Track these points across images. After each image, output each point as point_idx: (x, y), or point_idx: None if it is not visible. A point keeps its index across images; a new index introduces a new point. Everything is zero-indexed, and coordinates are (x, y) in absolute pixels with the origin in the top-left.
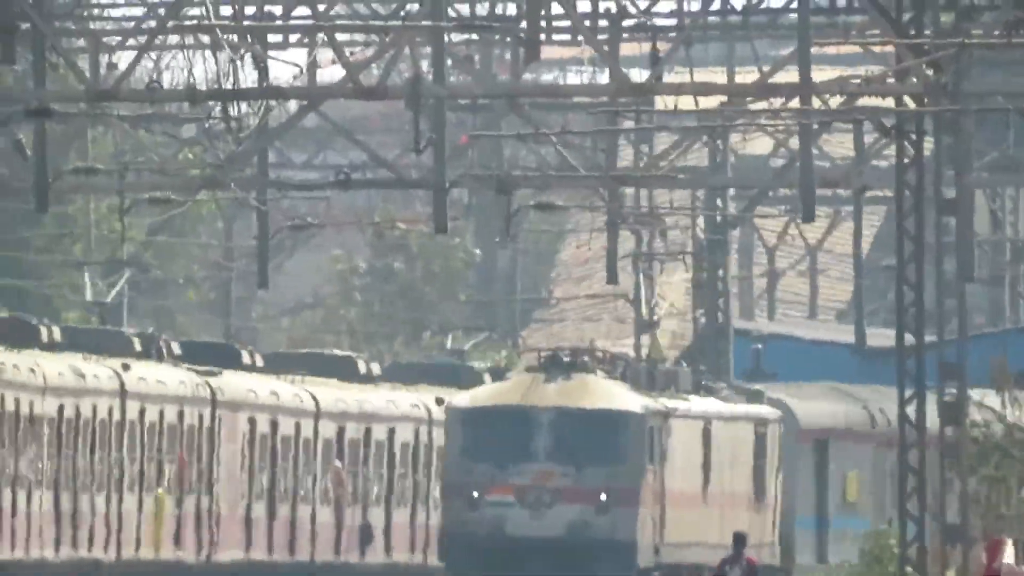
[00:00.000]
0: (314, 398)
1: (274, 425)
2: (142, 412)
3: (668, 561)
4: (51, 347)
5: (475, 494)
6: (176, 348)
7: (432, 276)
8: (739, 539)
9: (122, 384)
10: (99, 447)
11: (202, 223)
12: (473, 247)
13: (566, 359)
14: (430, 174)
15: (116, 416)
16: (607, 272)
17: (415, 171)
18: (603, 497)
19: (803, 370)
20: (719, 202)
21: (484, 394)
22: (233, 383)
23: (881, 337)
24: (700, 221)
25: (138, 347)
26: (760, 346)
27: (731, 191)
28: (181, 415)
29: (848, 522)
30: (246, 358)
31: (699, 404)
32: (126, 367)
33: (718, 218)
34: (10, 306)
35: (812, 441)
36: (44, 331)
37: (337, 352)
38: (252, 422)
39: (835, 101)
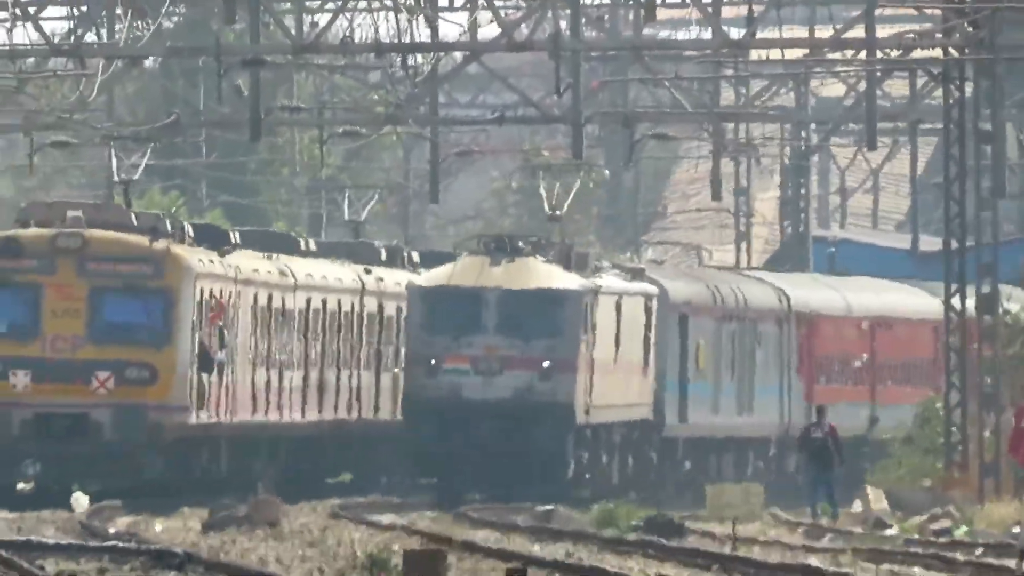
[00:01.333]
0: None
1: None
2: (380, 307)
3: (594, 421)
4: (307, 255)
5: (433, 362)
6: (416, 256)
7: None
8: (821, 410)
9: (362, 284)
10: (343, 333)
11: (386, 151)
12: (603, 170)
13: (508, 245)
14: (569, 112)
15: (357, 309)
16: (712, 190)
17: (556, 109)
18: (546, 365)
19: (868, 270)
20: (802, 134)
21: (439, 275)
22: None
23: (931, 243)
24: (787, 150)
25: (383, 256)
26: (834, 249)
27: (811, 125)
28: None
29: (698, 386)
30: None
31: (611, 282)
32: (367, 271)
33: (801, 147)
34: (230, 218)
35: (678, 315)
36: (302, 242)
37: None
38: None
39: (894, 53)
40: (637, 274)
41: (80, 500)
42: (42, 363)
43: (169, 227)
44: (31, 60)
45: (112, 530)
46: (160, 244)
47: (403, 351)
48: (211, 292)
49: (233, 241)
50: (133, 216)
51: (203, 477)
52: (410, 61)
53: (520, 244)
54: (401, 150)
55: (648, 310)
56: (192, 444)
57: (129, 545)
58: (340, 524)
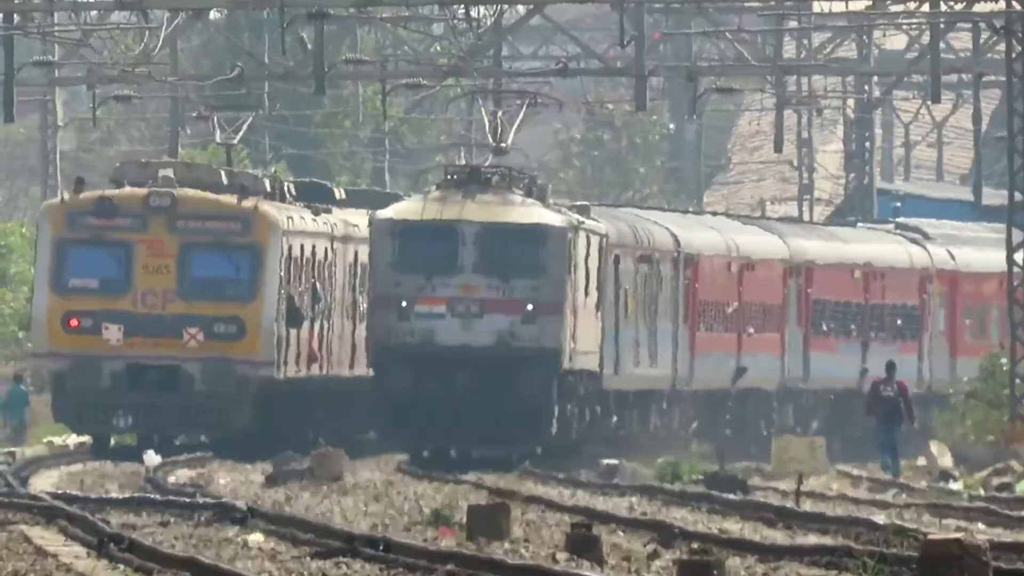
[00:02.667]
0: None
1: None
2: None
3: (576, 367)
4: None
5: (404, 304)
6: None
7: (634, 146)
8: (891, 365)
9: None
10: None
11: (449, 104)
12: (667, 122)
13: (481, 176)
14: (632, 64)
15: None
16: (774, 143)
17: (620, 61)
18: (529, 308)
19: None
20: (865, 87)
21: (408, 208)
22: None
23: (994, 196)
24: (850, 102)
25: None
26: (899, 203)
27: (874, 78)
28: None
29: (626, 334)
30: None
31: (580, 219)
32: None
33: (864, 100)
34: (294, 170)
35: (613, 256)
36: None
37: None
38: None
39: (958, 5)
40: (584, 211)
41: (152, 457)
42: (134, 317)
43: (268, 185)
44: (95, 13)
45: (173, 481)
46: (248, 202)
47: (368, 292)
48: (301, 249)
49: (338, 198)
50: (223, 175)
51: (294, 430)
52: (473, 13)
53: (493, 176)
54: (464, 103)
55: (600, 250)
56: (281, 397)
57: (193, 499)
58: (404, 479)
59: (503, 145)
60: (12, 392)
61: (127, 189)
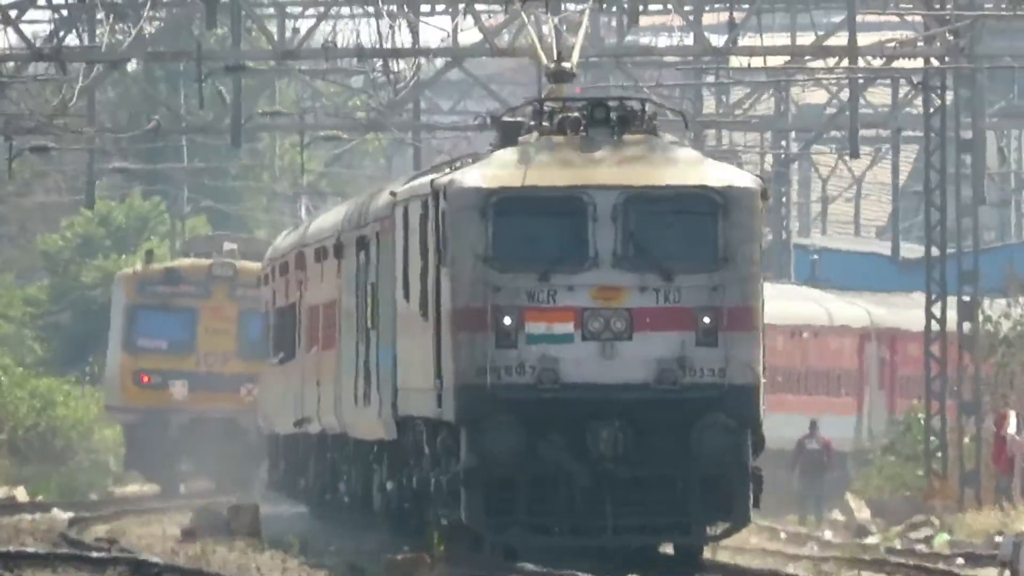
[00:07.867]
0: None
1: None
2: None
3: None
4: None
5: (507, 321)
6: None
7: None
8: (814, 423)
9: None
10: None
11: (367, 157)
12: None
13: (615, 113)
14: None
15: None
16: None
17: None
18: (707, 320)
19: (849, 277)
20: (783, 142)
21: (502, 171)
22: None
23: (912, 250)
24: (768, 157)
25: None
26: (816, 257)
27: (792, 133)
28: None
29: None
30: None
31: None
32: None
33: (782, 155)
34: (212, 224)
35: None
36: None
37: None
38: None
39: (876, 61)
40: None
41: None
42: (197, 375)
43: None
44: (11, 64)
45: (87, 537)
46: None
47: (443, 302)
48: None
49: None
50: None
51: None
52: (392, 66)
53: (628, 113)
54: (383, 156)
55: None
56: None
57: (106, 555)
58: (323, 531)
59: (565, 65)
60: None
61: (191, 259)
